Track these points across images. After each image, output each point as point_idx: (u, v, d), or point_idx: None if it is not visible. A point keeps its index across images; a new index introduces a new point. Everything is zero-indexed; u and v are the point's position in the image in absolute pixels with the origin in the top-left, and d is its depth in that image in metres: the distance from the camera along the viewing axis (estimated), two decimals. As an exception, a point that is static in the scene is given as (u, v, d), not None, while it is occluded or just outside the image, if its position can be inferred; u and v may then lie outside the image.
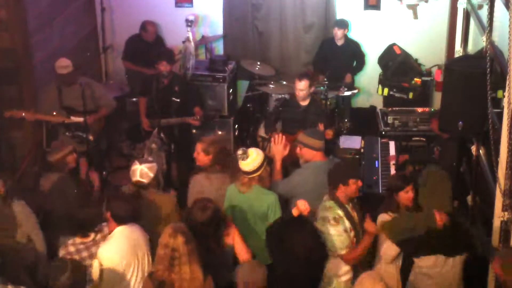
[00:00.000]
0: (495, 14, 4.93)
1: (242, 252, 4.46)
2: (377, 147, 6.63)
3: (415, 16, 8.18)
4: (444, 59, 7.92)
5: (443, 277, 4.54)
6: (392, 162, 6.35)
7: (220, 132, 7.82)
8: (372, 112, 7.91)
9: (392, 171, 6.17)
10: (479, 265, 4.64)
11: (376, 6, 8.23)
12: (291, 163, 5.66)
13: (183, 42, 7.92)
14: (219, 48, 8.67)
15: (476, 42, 6.68)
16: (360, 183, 4.71)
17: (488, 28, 4.71)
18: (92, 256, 4.43)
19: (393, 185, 4.84)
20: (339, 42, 7.95)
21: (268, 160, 5.05)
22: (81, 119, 6.34)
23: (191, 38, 7.89)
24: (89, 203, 5.35)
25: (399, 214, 4.70)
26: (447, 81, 5.34)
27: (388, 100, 7.91)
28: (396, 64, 7.81)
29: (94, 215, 4.62)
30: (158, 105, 6.62)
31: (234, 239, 4.46)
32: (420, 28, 8.19)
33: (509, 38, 3.90)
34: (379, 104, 8.17)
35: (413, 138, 6.89)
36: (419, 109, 7.24)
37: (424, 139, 6.83)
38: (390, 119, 7.06)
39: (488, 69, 4.34)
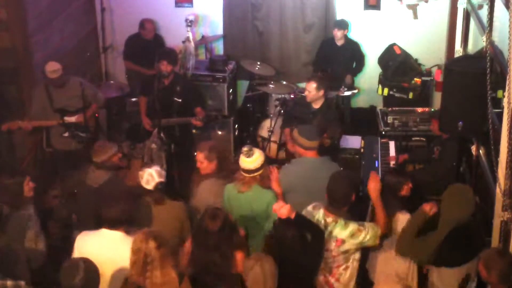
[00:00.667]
0: (495, 14, 4.94)
1: None
2: (377, 147, 6.64)
3: (415, 16, 8.17)
4: (444, 59, 7.91)
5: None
6: (392, 162, 6.36)
7: (220, 132, 7.82)
8: (372, 112, 7.91)
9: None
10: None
11: (376, 6, 8.22)
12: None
13: (183, 42, 7.92)
14: (219, 48, 8.66)
15: (476, 42, 6.69)
16: None
17: (488, 28, 4.71)
18: None
19: (392, 183, 4.78)
20: (339, 43, 7.94)
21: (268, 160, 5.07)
22: (73, 119, 6.35)
23: (191, 38, 7.89)
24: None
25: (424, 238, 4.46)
26: (447, 81, 5.35)
27: (388, 100, 7.91)
28: (396, 64, 7.81)
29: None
30: (159, 105, 6.60)
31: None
32: (420, 28, 8.18)
33: (509, 38, 3.91)
34: (379, 104, 8.18)
35: (413, 138, 6.91)
36: (419, 109, 7.25)
37: (424, 139, 6.84)
38: (390, 119, 7.07)
39: (488, 69, 4.35)
